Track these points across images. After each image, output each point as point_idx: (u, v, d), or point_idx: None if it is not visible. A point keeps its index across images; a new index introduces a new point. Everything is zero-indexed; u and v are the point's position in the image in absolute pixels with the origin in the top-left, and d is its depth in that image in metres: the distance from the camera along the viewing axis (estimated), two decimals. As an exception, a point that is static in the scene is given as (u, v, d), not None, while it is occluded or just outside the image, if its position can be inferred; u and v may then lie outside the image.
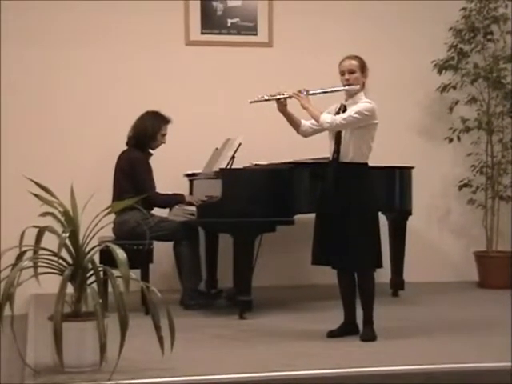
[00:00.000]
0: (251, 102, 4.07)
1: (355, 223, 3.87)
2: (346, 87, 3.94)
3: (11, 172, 5.21)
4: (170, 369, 3.24)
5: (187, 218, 4.75)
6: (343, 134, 3.92)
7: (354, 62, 3.95)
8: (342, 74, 3.95)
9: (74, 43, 5.43)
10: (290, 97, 4.01)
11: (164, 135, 4.93)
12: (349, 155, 3.92)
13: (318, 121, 3.94)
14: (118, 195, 4.77)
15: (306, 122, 4.10)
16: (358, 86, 3.94)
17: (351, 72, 3.93)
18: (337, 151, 3.94)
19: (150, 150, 4.95)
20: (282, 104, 4.05)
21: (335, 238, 3.89)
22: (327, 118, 3.90)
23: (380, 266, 3.99)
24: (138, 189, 4.59)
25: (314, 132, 4.11)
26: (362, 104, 3.89)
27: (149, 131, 4.86)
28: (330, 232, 3.91)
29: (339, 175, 3.93)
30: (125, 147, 4.95)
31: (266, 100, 4.05)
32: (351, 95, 3.96)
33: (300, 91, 3.99)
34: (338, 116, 3.90)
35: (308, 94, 3.99)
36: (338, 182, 3.94)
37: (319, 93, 4.01)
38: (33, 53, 5.40)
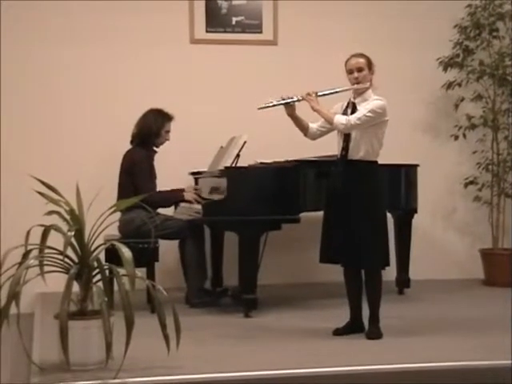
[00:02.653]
0: (259, 109, 3.99)
1: (364, 221, 3.86)
2: (355, 86, 3.92)
3: (14, 171, 5.21)
4: (176, 367, 3.24)
5: (193, 217, 4.76)
6: (353, 132, 3.90)
7: (361, 60, 3.92)
8: (350, 72, 3.93)
9: (77, 42, 5.43)
10: (299, 100, 3.95)
11: (168, 132, 4.93)
12: (359, 153, 3.89)
13: (331, 122, 3.89)
14: (121, 194, 4.78)
15: (314, 125, 4.07)
16: (368, 84, 3.93)
17: (359, 70, 3.90)
18: (345, 148, 3.92)
19: (155, 148, 4.95)
20: (290, 108, 3.99)
21: (344, 235, 3.88)
22: (341, 119, 3.86)
23: (387, 264, 3.99)
24: (136, 188, 4.59)
25: (322, 134, 4.09)
26: (374, 102, 3.87)
27: (152, 128, 4.87)
28: (339, 230, 3.90)
29: (348, 173, 3.92)
30: (129, 145, 4.96)
31: (275, 105, 3.96)
32: (360, 93, 3.94)
33: (309, 93, 3.93)
34: (351, 116, 3.86)
35: (317, 95, 3.93)
36: (348, 180, 3.92)
37: (329, 93, 3.96)
38: (36, 51, 5.40)
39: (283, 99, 3.98)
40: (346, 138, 3.92)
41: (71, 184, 3.43)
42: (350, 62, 3.94)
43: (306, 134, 4.10)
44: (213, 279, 5.29)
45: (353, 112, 3.91)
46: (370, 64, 3.95)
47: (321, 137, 4.11)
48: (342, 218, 3.90)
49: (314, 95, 3.93)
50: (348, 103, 3.99)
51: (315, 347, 3.71)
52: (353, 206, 3.88)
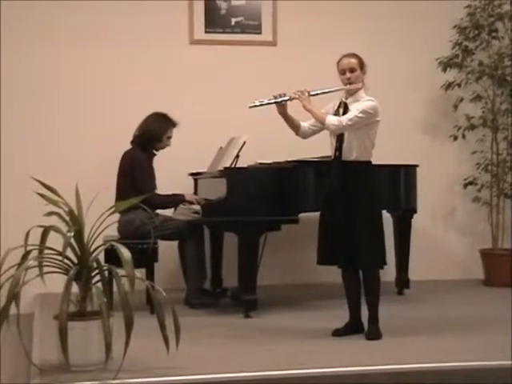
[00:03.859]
0: (250, 107, 3.99)
1: (360, 222, 3.86)
2: (348, 86, 3.92)
3: (13, 172, 5.22)
4: (175, 368, 3.24)
5: (192, 217, 4.76)
6: (346, 132, 3.90)
7: (353, 60, 3.92)
8: (343, 72, 3.93)
9: (77, 43, 5.44)
10: (291, 99, 3.96)
11: (169, 138, 4.92)
12: (353, 154, 3.90)
13: (323, 123, 3.89)
14: (119, 195, 4.77)
15: (305, 124, 4.07)
16: (360, 85, 3.93)
17: (352, 70, 3.91)
18: (339, 149, 3.93)
19: (154, 151, 4.94)
20: (282, 106, 3.99)
21: (340, 236, 3.88)
22: (333, 120, 3.87)
23: (385, 263, 3.99)
24: (136, 189, 4.56)
25: (314, 133, 4.09)
26: (365, 103, 3.88)
27: (155, 133, 4.85)
28: (336, 231, 3.90)
29: (343, 174, 3.92)
30: (129, 146, 4.95)
31: (267, 104, 3.96)
32: (352, 93, 3.94)
33: (301, 92, 3.93)
34: (343, 117, 3.86)
35: (309, 94, 3.94)
36: (342, 180, 3.92)
37: (321, 93, 3.96)
38: (35, 52, 5.40)
39: (275, 98, 3.98)
40: (339, 138, 3.92)
41: (70, 185, 3.43)
42: (342, 62, 3.94)
43: (297, 133, 4.10)
44: (212, 280, 5.29)
45: (344, 112, 3.91)
46: (361, 64, 3.94)
47: (312, 136, 4.11)
48: (338, 219, 3.90)
49: (306, 94, 3.93)
50: (340, 103, 3.99)
51: (315, 348, 3.70)
52: (348, 207, 3.88)
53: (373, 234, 3.89)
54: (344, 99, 3.97)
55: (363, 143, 3.90)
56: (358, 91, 3.93)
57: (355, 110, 3.86)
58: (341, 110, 3.94)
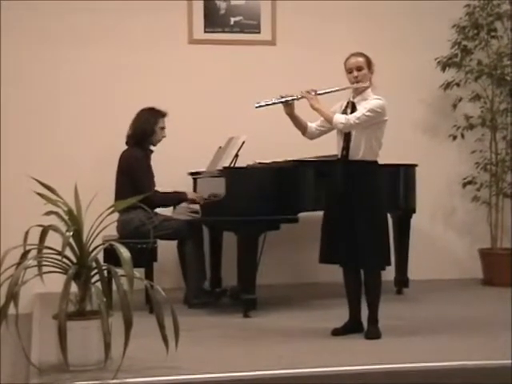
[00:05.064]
0: (257, 107, 3.98)
1: (364, 221, 3.85)
2: (355, 85, 3.91)
3: (12, 171, 5.22)
4: (175, 367, 3.24)
5: (191, 217, 4.76)
6: (353, 132, 3.89)
7: (360, 59, 3.92)
8: (350, 71, 3.92)
9: (76, 42, 5.44)
10: (298, 98, 3.95)
11: (163, 129, 4.91)
12: (359, 153, 3.89)
13: (330, 121, 3.88)
14: (118, 194, 4.77)
15: (312, 125, 4.06)
16: (368, 83, 3.92)
17: (359, 69, 3.90)
18: (346, 148, 3.92)
19: (151, 147, 4.93)
20: (289, 106, 3.97)
21: (344, 235, 3.87)
22: (341, 118, 3.86)
23: (388, 264, 3.98)
24: (135, 188, 4.54)
25: (321, 134, 4.08)
26: (373, 101, 3.87)
27: (146, 127, 4.85)
28: (340, 230, 3.89)
29: (349, 173, 3.91)
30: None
31: (273, 103, 3.94)
32: (359, 92, 3.93)
33: (309, 91, 3.92)
34: (351, 116, 3.85)
35: (316, 93, 3.92)
36: (348, 179, 3.91)
37: (327, 92, 3.95)
38: (34, 52, 5.40)
39: (282, 97, 3.97)
40: (347, 138, 3.91)
41: (70, 184, 3.43)
42: (350, 60, 3.94)
43: (304, 134, 4.09)
44: (212, 279, 5.29)
45: (352, 111, 3.90)
46: (369, 63, 3.94)
47: (319, 136, 4.10)
48: (342, 219, 3.89)
49: (313, 93, 3.92)
50: (347, 103, 3.98)
51: (314, 347, 3.70)
52: (354, 206, 3.87)
53: (376, 235, 3.88)
54: (351, 98, 3.96)
55: (370, 143, 3.89)
56: (366, 90, 3.92)
57: (363, 108, 3.85)
58: (348, 110, 3.93)
